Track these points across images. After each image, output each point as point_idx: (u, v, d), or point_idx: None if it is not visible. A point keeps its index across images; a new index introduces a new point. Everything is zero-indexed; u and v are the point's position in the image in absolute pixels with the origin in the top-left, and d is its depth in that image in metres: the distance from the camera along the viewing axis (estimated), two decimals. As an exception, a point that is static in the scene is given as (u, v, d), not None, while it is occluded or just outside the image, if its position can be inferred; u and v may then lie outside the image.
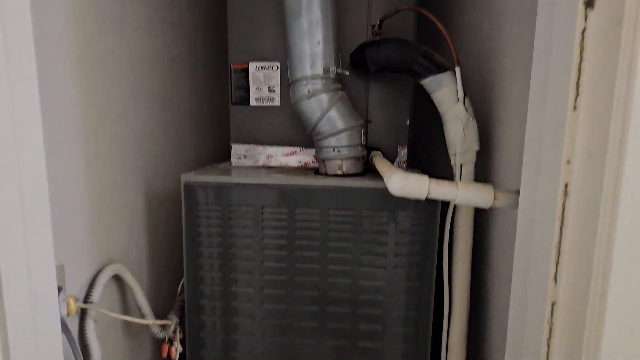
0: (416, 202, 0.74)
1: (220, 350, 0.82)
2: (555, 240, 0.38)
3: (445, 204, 0.76)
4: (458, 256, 0.77)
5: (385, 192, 0.75)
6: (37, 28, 0.49)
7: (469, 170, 0.76)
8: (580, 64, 0.35)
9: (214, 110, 1.25)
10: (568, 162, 0.37)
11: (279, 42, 0.89)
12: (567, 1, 0.36)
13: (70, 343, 0.61)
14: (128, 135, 0.81)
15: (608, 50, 0.34)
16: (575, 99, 0.36)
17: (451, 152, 0.78)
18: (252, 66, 0.93)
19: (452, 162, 0.77)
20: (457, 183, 0.57)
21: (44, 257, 0.53)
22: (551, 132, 0.38)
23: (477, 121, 0.77)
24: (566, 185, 0.37)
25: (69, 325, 0.62)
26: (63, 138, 0.63)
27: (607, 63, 0.34)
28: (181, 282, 0.87)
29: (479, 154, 0.78)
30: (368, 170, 0.86)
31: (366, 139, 0.91)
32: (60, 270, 0.62)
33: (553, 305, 0.39)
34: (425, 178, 0.58)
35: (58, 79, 0.61)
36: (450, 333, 0.78)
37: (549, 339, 0.39)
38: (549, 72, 0.37)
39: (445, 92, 0.76)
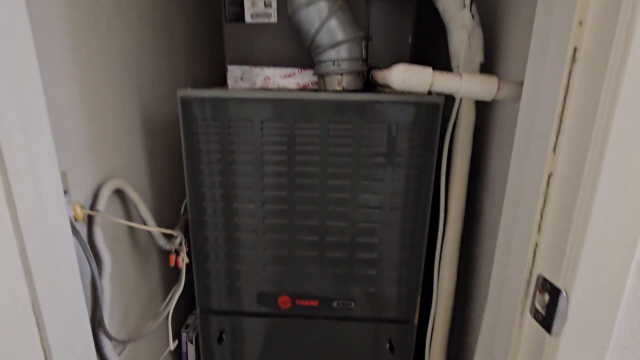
0: (416, 114, 0.74)
1: (225, 262, 0.86)
2: (559, 110, 0.38)
3: (445, 118, 0.76)
4: (456, 169, 0.78)
5: (385, 104, 0.74)
6: None
7: (471, 82, 0.74)
8: None
9: (208, 33, 1.19)
10: (580, 23, 0.36)
11: (274, -53, 0.82)
12: None
13: (81, 245, 0.64)
14: (118, 56, 0.78)
15: None
16: (594, -49, 0.34)
17: (454, 64, 0.75)
18: (246, -23, 0.87)
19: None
20: (460, 74, 0.56)
21: (46, 158, 0.53)
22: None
23: (483, 31, 0.74)
24: (575, 49, 0.36)
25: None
26: (52, 49, 0.60)
27: None
28: (184, 202, 0.89)
29: (482, 68, 0.76)
30: (368, 89, 0.84)
31: (367, 56, 0.87)
32: (64, 176, 0.63)
33: (549, 176, 0.40)
34: (429, 69, 0.57)
35: None
36: (444, 242, 0.82)
37: (542, 209, 0.41)
38: None
39: (451, -2, 0.72)
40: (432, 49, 1.00)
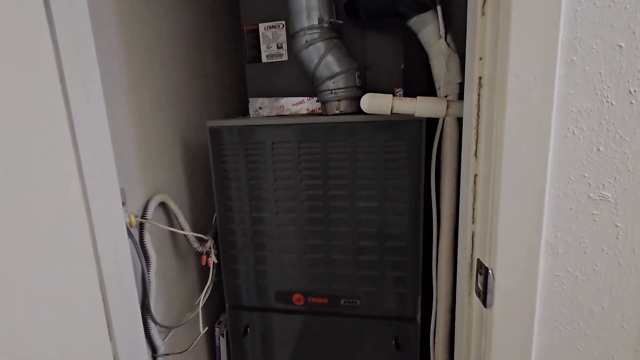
0: (402, 131, 0.85)
1: (248, 264, 1.01)
2: (474, 123, 0.48)
3: (431, 136, 0.86)
4: (445, 177, 0.87)
5: (375, 124, 0.86)
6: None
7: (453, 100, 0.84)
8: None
9: (234, 70, 1.40)
10: (480, 58, 0.47)
11: (283, 1, 1.00)
12: None
13: (134, 245, 0.82)
14: (162, 94, 0.99)
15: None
16: (483, 5, 0.45)
17: (437, 85, 0.86)
18: (262, 26, 1.06)
19: (438, 95, 0.86)
20: (417, 98, 0.67)
21: (111, 180, 0.72)
22: (470, 35, 0.47)
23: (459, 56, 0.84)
24: (480, 78, 0.47)
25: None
26: (114, 96, 0.82)
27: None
28: (215, 215, 1.07)
29: (463, 86, 0.85)
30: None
31: (364, 84, 1.01)
32: (122, 192, 0.82)
33: (475, 176, 0.50)
34: (389, 95, 0.68)
35: (107, 45, 0.79)
36: (439, 243, 0.90)
37: (473, 204, 0.51)
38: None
39: (429, 30, 0.84)
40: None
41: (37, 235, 0.57)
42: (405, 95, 1.02)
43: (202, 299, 1.00)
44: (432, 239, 0.92)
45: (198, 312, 1.01)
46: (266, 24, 1.06)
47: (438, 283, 0.93)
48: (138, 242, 0.86)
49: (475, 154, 0.49)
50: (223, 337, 1.15)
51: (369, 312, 0.97)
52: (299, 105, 1.08)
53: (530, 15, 0.40)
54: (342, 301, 0.98)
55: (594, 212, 0.45)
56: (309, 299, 1.00)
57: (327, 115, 0.95)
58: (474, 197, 0.50)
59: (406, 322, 0.97)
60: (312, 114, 1.07)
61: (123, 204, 0.79)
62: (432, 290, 0.97)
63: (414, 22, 0.86)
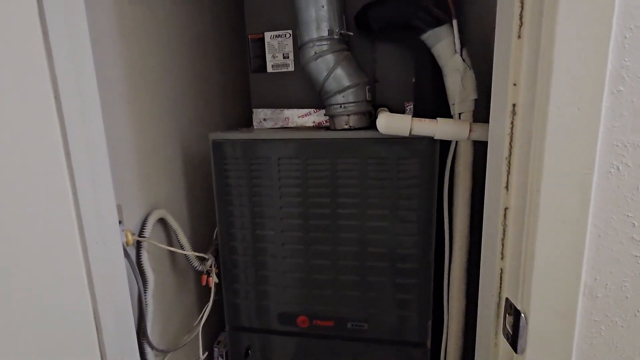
0: (415, 149, 0.81)
1: (250, 284, 0.96)
2: (506, 154, 0.45)
3: (444, 153, 0.82)
4: (458, 199, 0.83)
5: (387, 141, 0.82)
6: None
7: (467, 118, 0.80)
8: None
9: (238, 80, 1.36)
10: (515, 84, 0.43)
11: (290, 11, 0.96)
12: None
13: (130, 266, 0.77)
14: (163, 104, 0.95)
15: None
16: (520, 28, 0.42)
17: (451, 102, 0.83)
18: (267, 35, 1.02)
19: (452, 112, 0.82)
20: (437, 120, 0.64)
21: (107, 195, 0.68)
22: (500, 59, 0.44)
23: (480, 72, 0.80)
24: (514, 105, 0.43)
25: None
26: (112, 106, 0.77)
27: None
28: (216, 230, 1.02)
29: (479, 103, 0.82)
30: (375, 126, 0.93)
31: (374, 98, 0.97)
32: (119, 209, 0.78)
33: (506, 210, 0.46)
34: (408, 116, 0.65)
35: (104, 50, 0.75)
36: (451, 268, 0.86)
37: (503, 239, 0.47)
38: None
39: (444, 44, 0.81)
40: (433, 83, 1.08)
41: (24, 256, 0.53)
42: (416, 109, 0.99)
43: (201, 320, 0.95)
44: (444, 260, 0.88)
45: (198, 333, 0.96)
46: (272, 33, 1.02)
47: (450, 307, 0.89)
48: (135, 261, 0.82)
49: (507, 187, 0.45)
50: (222, 358, 1.10)
51: (376, 336, 0.93)
52: (305, 117, 1.04)
53: (576, 40, 0.37)
54: (349, 324, 0.94)
55: (637, 255, 0.42)
56: (314, 322, 0.95)
57: (335, 129, 0.91)
58: (504, 231, 0.46)
59: (415, 347, 0.92)
60: (318, 126, 1.03)
61: (120, 222, 0.74)
62: (442, 314, 0.93)
63: (427, 36, 0.82)
